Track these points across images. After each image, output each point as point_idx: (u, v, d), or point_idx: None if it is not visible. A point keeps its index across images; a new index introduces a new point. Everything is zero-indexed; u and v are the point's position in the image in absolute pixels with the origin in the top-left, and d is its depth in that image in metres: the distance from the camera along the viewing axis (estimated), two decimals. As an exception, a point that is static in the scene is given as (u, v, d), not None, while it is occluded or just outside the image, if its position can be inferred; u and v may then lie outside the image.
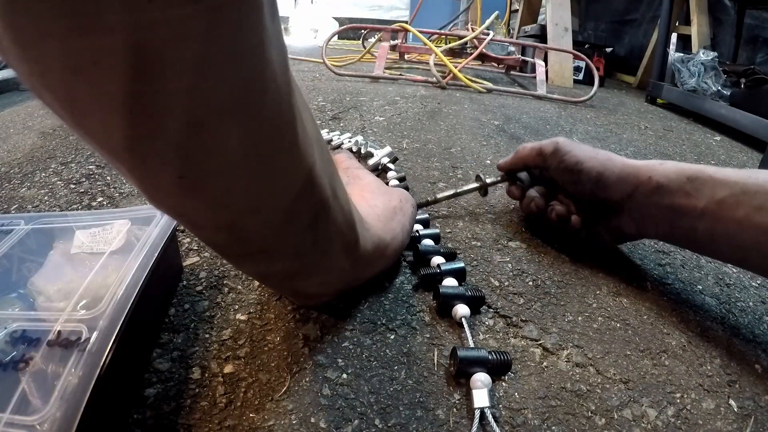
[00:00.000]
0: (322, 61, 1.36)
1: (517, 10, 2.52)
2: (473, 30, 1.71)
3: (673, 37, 1.48)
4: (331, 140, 0.70)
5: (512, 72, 1.76)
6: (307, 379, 0.28)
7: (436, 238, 0.41)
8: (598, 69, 1.49)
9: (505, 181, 0.48)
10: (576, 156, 0.39)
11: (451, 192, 0.48)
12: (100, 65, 0.13)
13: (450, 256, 0.39)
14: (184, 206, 0.19)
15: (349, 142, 0.67)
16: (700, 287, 0.41)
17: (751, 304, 0.40)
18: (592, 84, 1.32)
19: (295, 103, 0.18)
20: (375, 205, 0.35)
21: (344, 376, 0.28)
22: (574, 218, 0.42)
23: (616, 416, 0.27)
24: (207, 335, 0.30)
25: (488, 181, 0.48)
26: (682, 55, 1.40)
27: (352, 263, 0.29)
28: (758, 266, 0.33)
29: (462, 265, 0.37)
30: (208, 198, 0.18)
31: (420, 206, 0.46)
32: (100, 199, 0.50)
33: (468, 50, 1.67)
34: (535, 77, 1.41)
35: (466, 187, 0.48)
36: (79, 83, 0.13)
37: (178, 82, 0.14)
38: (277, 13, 0.16)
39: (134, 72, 0.13)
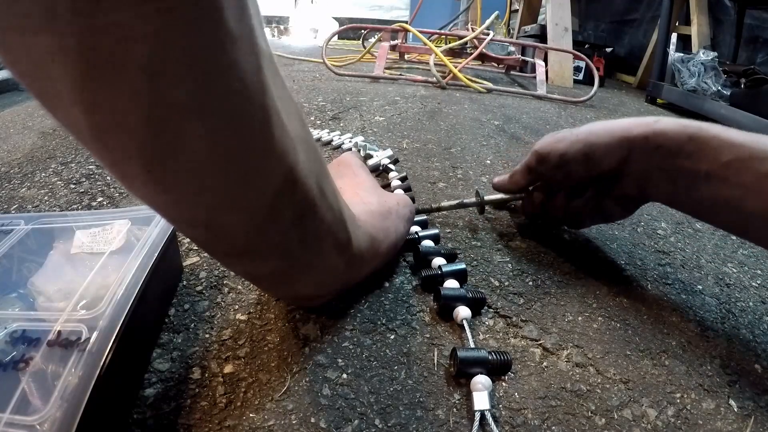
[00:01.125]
0: (322, 61, 1.36)
1: (517, 10, 2.52)
2: (473, 30, 1.71)
3: (673, 37, 1.48)
4: (331, 140, 0.70)
5: (512, 72, 1.76)
6: (307, 379, 0.28)
7: (435, 238, 0.41)
8: (598, 69, 1.49)
9: (504, 201, 0.48)
10: (558, 151, 0.38)
11: (455, 202, 0.48)
12: (56, 62, 0.13)
13: (451, 257, 0.39)
14: (157, 200, 0.19)
15: (350, 142, 0.67)
16: (700, 287, 0.41)
17: (751, 304, 0.40)
18: (592, 84, 1.32)
19: (269, 103, 0.18)
20: (369, 202, 0.35)
21: (344, 376, 0.28)
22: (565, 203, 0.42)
23: (616, 416, 0.27)
24: (207, 335, 0.30)
25: (486, 199, 0.48)
26: (682, 55, 1.40)
27: (346, 262, 0.29)
28: (761, 237, 0.32)
29: (463, 266, 0.37)
30: (179, 194, 0.18)
31: (422, 212, 0.47)
32: (100, 199, 0.50)
33: (468, 50, 1.67)
34: (535, 77, 1.41)
35: (467, 201, 0.48)
36: (42, 77, 0.14)
37: (131, 83, 0.14)
38: (248, 14, 0.16)
39: (88, 71, 0.13)
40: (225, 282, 0.36)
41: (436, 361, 0.30)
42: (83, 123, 0.15)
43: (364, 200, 0.34)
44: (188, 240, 0.41)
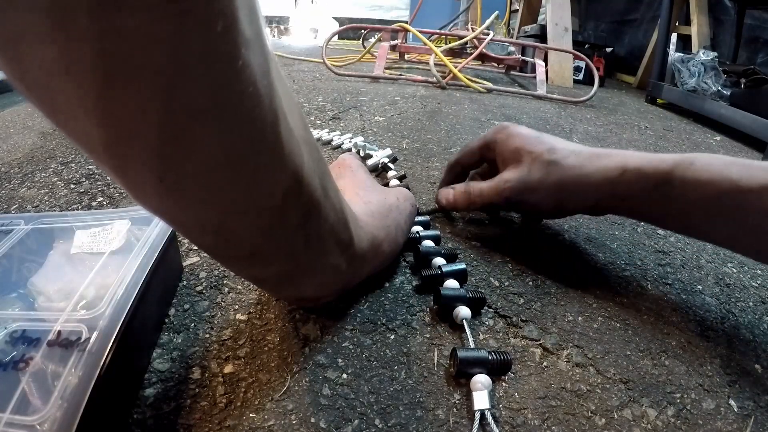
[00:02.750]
0: (322, 61, 1.36)
1: (517, 10, 2.52)
2: (473, 30, 1.71)
3: (673, 37, 1.48)
4: (331, 140, 0.70)
5: (512, 72, 1.76)
6: (307, 379, 0.28)
7: (436, 239, 0.41)
8: (598, 69, 1.49)
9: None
10: (530, 202, 0.39)
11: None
12: (71, 71, 0.13)
13: (451, 258, 0.39)
14: (168, 208, 0.19)
15: (349, 142, 0.67)
16: (700, 287, 0.41)
17: (751, 304, 0.40)
18: (592, 84, 1.32)
19: (277, 104, 0.18)
20: (369, 201, 0.35)
21: (344, 376, 0.28)
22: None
23: (616, 416, 0.27)
24: (207, 335, 0.30)
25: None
26: (682, 55, 1.40)
27: (348, 262, 0.29)
28: (741, 251, 0.35)
29: (463, 266, 0.37)
30: (191, 200, 0.18)
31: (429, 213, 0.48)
32: (100, 199, 0.50)
33: (468, 50, 1.67)
34: (535, 77, 1.41)
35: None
36: (54, 87, 0.13)
37: (150, 88, 0.14)
38: (258, 15, 0.16)
39: (105, 78, 0.13)
40: (225, 282, 0.36)
41: (436, 361, 0.30)
42: (96, 134, 0.15)
43: (364, 200, 0.34)
44: (188, 240, 0.41)
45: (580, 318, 0.35)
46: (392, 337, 0.31)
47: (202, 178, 0.17)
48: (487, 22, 1.64)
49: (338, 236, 0.26)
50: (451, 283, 0.35)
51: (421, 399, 0.27)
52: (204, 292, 0.35)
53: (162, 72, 0.14)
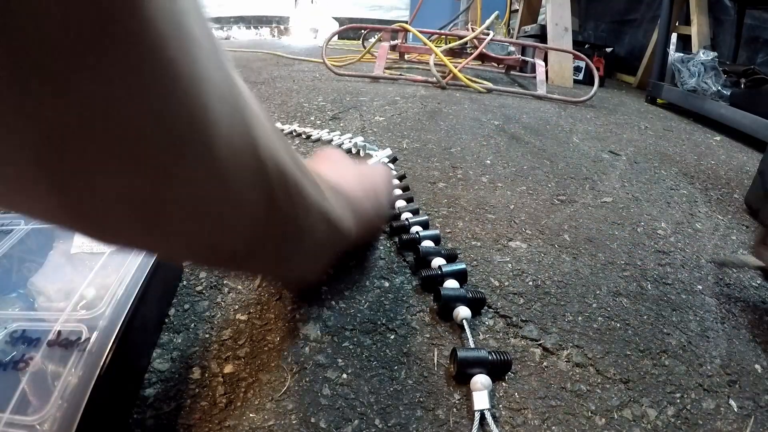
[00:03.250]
0: (322, 61, 1.36)
1: (517, 10, 2.52)
2: (473, 30, 1.71)
3: (673, 37, 1.48)
4: (331, 140, 0.70)
5: (512, 72, 1.76)
6: (307, 379, 0.28)
7: (435, 239, 0.41)
8: (598, 69, 1.49)
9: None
10: None
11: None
12: (14, 175, 0.12)
13: (451, 258, 0.39)
14: (166, 252, 0.19)
15: (350, 142, 0.67)
16: (700, 287, 0.41)
17: (751, 304, 0.40)
18: (592, 84, 1.32)
19: (248, 114, 0.17)
20: (345, 173, 0.35)
21: (344, 376, 0.28)
22: None
23: (616, 416, 0.27)
24: (207, 335, 0.30)
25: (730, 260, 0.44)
26: (682, 55, 1.40)
27: (331, 228, 0.28)
28: None
29: (463, 266, 0.37)
30: (184, 235, 0.18)
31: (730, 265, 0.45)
32: (100, 199, 0.50)
33: (468, 50, 1.67)
34: (535, 77, 1.41)
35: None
36: (13, 200, 0.13)
37: (114, 164, 0.13)
38: (214, 42, 0.15)
39: (60, 188, 0.12)
40: (225, 282, 0.36)
41: (436, 361, 0.30)
42: (71, 227, 0.15)
43: (339, 173, 0.34)
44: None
45: (580, 318, 0.35)
46: (392, 337, 0.31)
47: (193, 214, 0.17)
48: (487, 22, 1.64)
49: (319, 205, 0.26)
50: (451, 283, 0.35)
51: (421, 399, 0.27)
52: (204, 292, 0.35)
53: (123, 143, 0.12)
